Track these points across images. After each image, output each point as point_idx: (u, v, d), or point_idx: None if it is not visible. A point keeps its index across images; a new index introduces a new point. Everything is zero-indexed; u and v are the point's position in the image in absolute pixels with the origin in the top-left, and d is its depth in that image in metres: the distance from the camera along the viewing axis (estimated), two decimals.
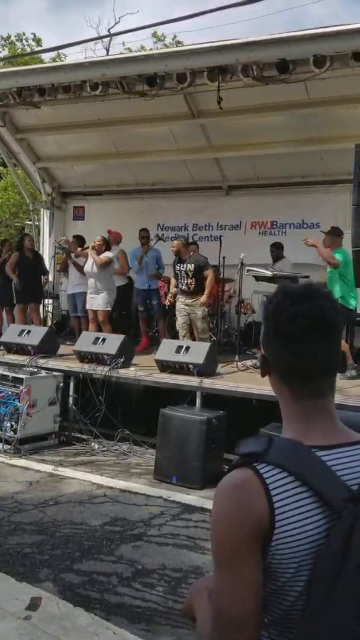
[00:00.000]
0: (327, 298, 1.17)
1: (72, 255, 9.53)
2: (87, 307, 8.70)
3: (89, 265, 8.51)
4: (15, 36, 26.73)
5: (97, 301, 8.50)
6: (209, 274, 7.93)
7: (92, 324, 8.65)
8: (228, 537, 1.07)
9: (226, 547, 1.07)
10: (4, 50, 26.23)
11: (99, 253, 8.38)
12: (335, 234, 7.13)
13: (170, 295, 8.50)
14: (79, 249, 9.40)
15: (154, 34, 26.83)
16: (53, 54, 23.88)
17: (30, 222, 16.21)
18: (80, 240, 9.84)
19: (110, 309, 8.57)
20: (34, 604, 3.38)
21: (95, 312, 8.57)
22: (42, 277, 10.04)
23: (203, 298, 7.91)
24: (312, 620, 1.03)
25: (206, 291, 7.91)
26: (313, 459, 1.10)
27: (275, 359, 1.19)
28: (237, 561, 1.05)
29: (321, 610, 1.02)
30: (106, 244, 8.62)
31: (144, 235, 9.31)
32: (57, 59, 23.59)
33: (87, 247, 8.94)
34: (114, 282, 8.83)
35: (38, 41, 26.80)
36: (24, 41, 26.78)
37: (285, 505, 1.06)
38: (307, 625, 1.04)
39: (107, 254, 8.44)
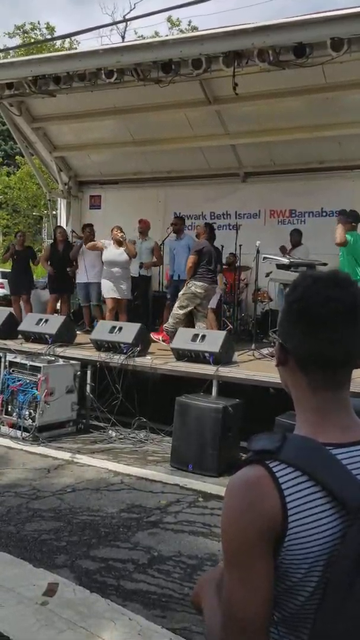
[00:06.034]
0: (357, 285, 1.13)
1: (84, 245, 9.64)
2: (110, 295, 8.66)
3: (115, 254, 8.52)
4: (29, 24, 26.84)
5: (122, 290, 8.59)
6: (190, 257, 7.84)
7: (110, 314, 8.68)
8: (237, 535, 1.04)
9: (235, 545, 1.05)
10: (13, 37, 26.41)
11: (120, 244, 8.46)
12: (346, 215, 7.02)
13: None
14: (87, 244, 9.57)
15: (169, 19, 26.68)
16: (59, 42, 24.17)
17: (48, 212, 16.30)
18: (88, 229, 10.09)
19: (131, 297, 8.67)
20: (50, 590, 3.43)
21: (117, 300, 8.60)
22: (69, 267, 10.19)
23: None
24: (324, 626, 1.02)
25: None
26: (328, 458, 1.07)
27: (298, 345, 1.13)
28: (246, 560, 1.03)
29: (334, 615, 1.00)
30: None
31: (174, 223, 9.22)
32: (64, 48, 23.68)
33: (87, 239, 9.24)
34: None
35: (51, 30, 26.83)
36: (36, 31, 26.97)
37: (298, 506, 1.03)
38: (320, 630, 1.03)
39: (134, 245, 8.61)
